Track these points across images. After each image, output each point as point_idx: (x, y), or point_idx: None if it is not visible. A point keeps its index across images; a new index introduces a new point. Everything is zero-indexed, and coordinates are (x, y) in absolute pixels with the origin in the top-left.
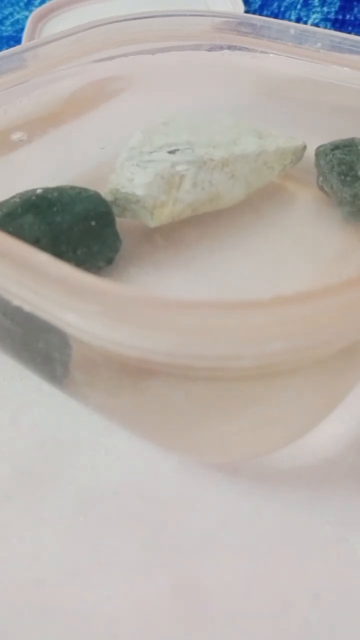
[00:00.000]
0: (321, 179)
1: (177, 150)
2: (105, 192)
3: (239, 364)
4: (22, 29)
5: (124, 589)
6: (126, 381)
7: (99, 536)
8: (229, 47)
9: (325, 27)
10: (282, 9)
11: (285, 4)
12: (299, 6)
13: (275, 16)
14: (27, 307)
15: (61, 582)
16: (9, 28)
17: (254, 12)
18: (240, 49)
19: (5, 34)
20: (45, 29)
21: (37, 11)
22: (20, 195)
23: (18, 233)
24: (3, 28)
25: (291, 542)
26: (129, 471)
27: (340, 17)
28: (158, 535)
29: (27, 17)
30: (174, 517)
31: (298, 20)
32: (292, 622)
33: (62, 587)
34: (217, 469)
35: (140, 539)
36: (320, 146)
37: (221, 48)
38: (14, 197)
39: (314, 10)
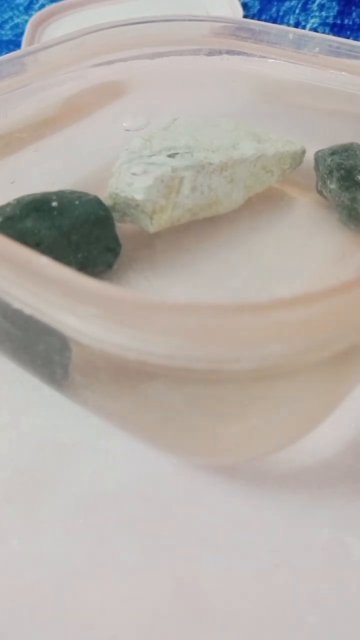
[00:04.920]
0: (320, 183)
1: (177, 154)
2: (104, 197)
3: (237, 366)
4: (21, 33)
5: (124, 589)
6: (125, 384)
7: (98, 537)
8: (228, 52)
9: (324, 32)
10: (281, 13)
11: (283, 8)
12: (297, 11)
13: (274, 21)
14: (27, 310)
15: (61, 583)
16: (9, 32)
17: (253, 17)
18: (239, 53)
19: (5, 38)
20: (45, 33)
21: (36, 15)
22: (21, 199)
23: (18, 237)
24: (3, 32)
25: (290, 543)
26: (129, 473)
27: (338, 21)
28: (158, 536)
29: (26, 21)
30: (173, 518)
31: (297, 24)
32: (293, 622)
33: (62, 588)
34: (216, 470)
35: (140, 540)
36: (318, 151)
37: (220, 53)
38: (14, 201)
39: (312, 14)
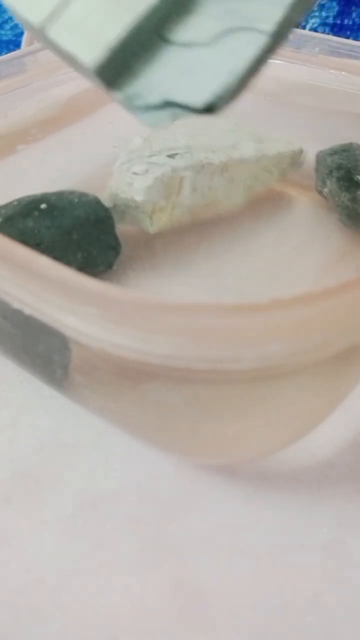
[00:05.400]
0: (320, 183)
1: (177, 154)
2: (104, 197)
3: (237, 366)
4: (21, 33)
5: (124, 589)
6: (125, 384)
7: (98, 538)
8: None
9: (324, 32)
10: None
11: None
12: None
13: None
14: (27, 310)
15: (61, 583)
16: (9, 32)
17: None
18: None
19: (5, 38)
20: None
21: None
22: (21, 199)
23: (18, 237)
24: (3, 32)
25: (290, 543)
26: (129, 473)
27: (338, 21)
28: (158, 536)
29: None
30: (173, 518)
31: (296, 25)
32: (292, 622)
33: (62, 589)
34: (216, 470)
35: (140, 540)
36: (320, 151)
37: None
38: (14, 201)
39: (312, 14)
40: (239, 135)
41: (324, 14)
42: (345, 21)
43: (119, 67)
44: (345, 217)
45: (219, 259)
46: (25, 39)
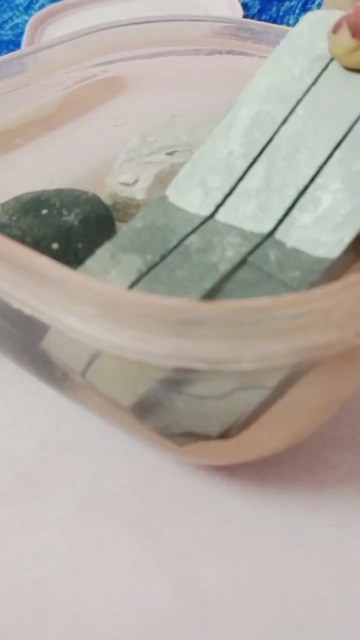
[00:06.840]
0: None
1: (176, 152)
2: (104, 196)
3: (237, 366)
4: (21, 33)
5: (124, 589)
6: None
7: (99, 538)
8: (228, 52)
9: None
10: (281, 13)
11: (283, 8)
12: (297, 11)
13: (274, 21)
14: (27, 310)
15: (61, 583)
16: (9, 32)
17: (253, 17)
18: (239, 53)
19: (4, 38)
20: (45, 33)
21: (36, 15)
22: (20, 197)
23: (18, 236)
24: (3, 32)
25: (290, 543)
26: (129, 473)
27: None
28: (158, 536)
29: (26, 21)
30: (173, 518)
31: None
32: (292, 622)
33: (62, 589)
34: (216, 471)
35: (140, 540)
36: None
37: (220, 53)
38: (13, 199)
39: None
40: None
41: None
42: None
43: (147, 407)
44: None
45: None
46: (25, 39)
